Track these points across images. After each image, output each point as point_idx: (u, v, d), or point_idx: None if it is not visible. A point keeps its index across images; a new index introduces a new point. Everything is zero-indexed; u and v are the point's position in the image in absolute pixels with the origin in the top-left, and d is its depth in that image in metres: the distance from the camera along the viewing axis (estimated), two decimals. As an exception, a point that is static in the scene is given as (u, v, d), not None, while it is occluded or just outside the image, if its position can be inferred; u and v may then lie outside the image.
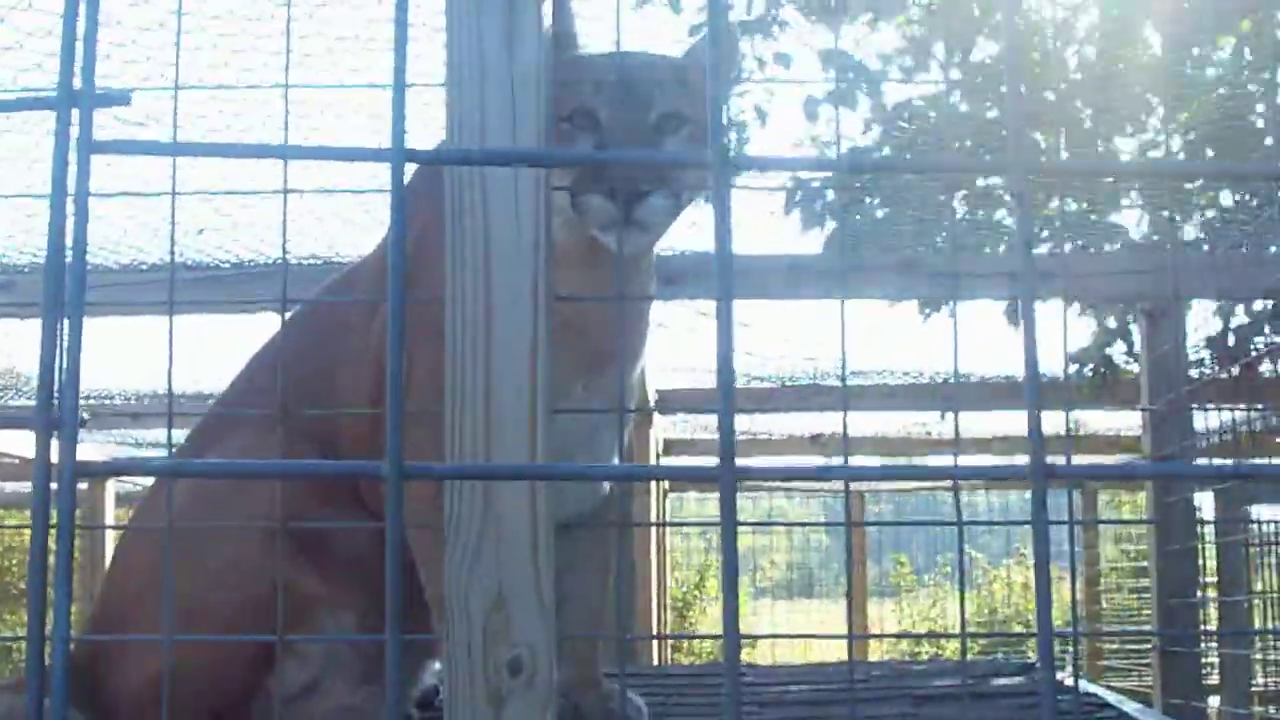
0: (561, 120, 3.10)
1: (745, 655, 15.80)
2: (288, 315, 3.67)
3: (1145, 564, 13.23)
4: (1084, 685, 4.01)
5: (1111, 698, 3.98)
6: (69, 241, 0.96)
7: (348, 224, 6.70)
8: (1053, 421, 10.69)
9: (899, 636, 19.45)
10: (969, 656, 15.90)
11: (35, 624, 1.02)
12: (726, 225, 1.01)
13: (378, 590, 3.31)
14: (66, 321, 0.96)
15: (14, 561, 17.84)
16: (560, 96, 3.01)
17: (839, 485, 15.64)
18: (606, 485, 3.56)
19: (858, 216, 7.80)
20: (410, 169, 3.34)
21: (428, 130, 5.56)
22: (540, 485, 2.47)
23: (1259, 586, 9.49)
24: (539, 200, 2.51)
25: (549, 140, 2.53)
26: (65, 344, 0.94)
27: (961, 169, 1.48)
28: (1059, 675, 4.73)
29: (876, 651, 17.03)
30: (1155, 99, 8.10)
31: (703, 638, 17.98)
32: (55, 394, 0.97)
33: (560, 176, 3.00)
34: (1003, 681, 4.20)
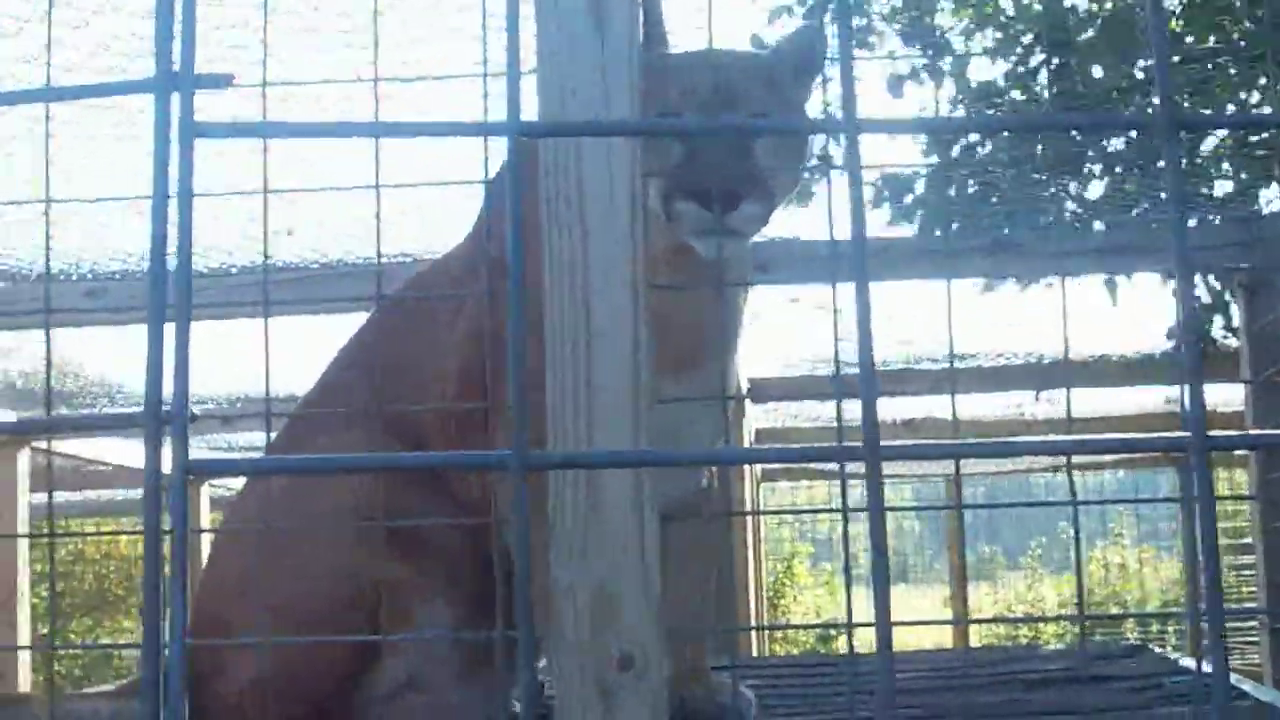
0: None
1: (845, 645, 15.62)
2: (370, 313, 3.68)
3: (1246, 540, 13.06)
4: (1206, 666, 3.92)
5: (1242, 682, 3.89)
6: (173, 233, 0.92)
7: (435, 221, 6.68)
8: (1154, 398, 10.56)
9: (1016, 620, 19.28)
10: (1068, 640, 15.83)
11: (151, 630, 0.98)
12: (859, 194, 0.96)
13: (468, 578, 3.29)
14: (173, 321, 0.92)
15: (110, 568, 18.00)
16: (646, 101, 2.97)
17: (931, 470, 15.55)
18: (704, 477, 3.53)
19: (951, 198, 7.72)
20: (496, 165, 3.30)
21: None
22: (645, 475, 2.43)
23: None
24: (634, 187, 2.47)
25: (640, 169, 2.50)
26: (175, 339, 0.91)
27: (1098, 124, 1.42)
28: (1165, 653, 4.64)
29: (975, 636, 16.91)
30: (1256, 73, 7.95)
31: (816, 627, 17.90)
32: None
33: (653, 183, 2.96)
34: (1110, 664, 4.12)
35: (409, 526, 3.17)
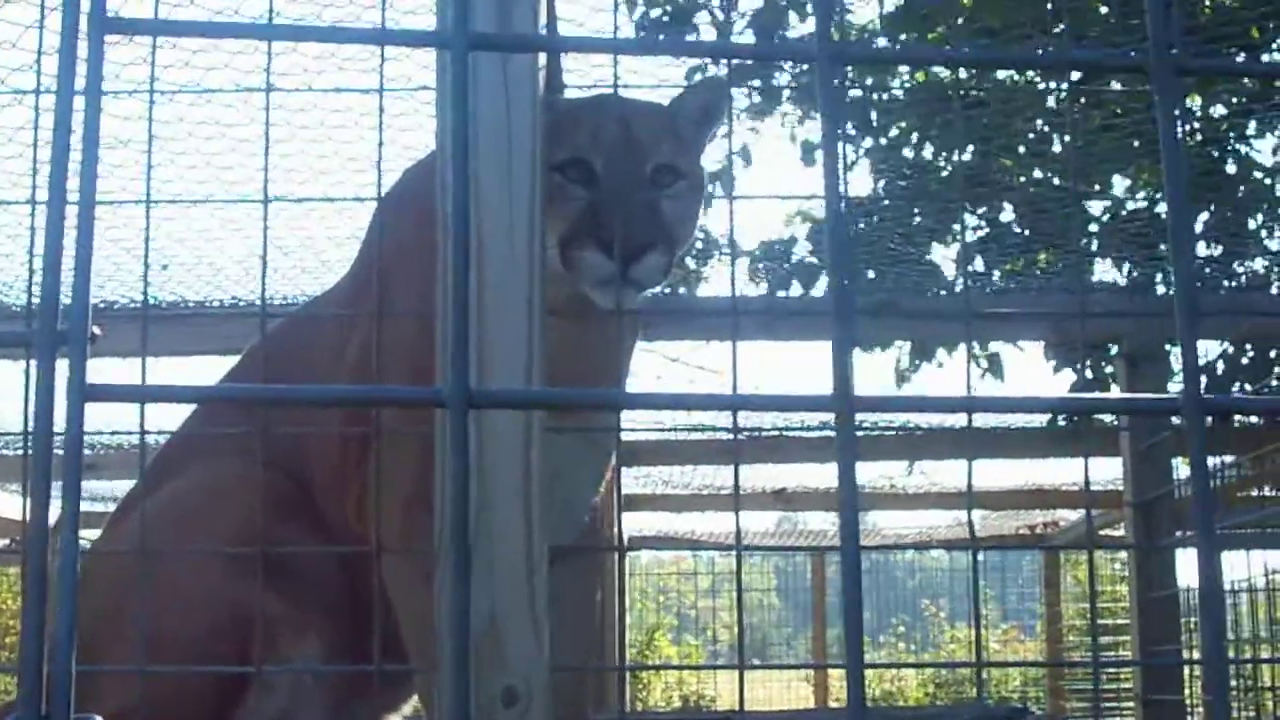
0: (553, 169, 3.00)
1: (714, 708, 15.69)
2: (248, 346, 3.61)
3: (1108, 621, 13.18)
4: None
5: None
6: (77, 131, 0.83)
7: (321, 261, 6.58)
8: (1030, 474, 10.62)
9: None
10: (936, 703, 15.77)
11: (35, 598, 0.89)
12: (833, 130, 0.89)
13: (341, 613, 3.21)
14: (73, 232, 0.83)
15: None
16: (552, 145, 2.92)
17: (800, 543, 15.58)
18: (587, 516, 3.48)
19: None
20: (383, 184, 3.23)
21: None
22: (534, 503, 2.37)
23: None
24: (533, 209, 2.44)
25: (541, 190, 2.46)
26: (76, 248, 0.81)
27: (1095, 64, 1.37)
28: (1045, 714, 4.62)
29: (833, 700, 16.91)
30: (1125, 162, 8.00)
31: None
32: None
33: (551, 229, 2.89)
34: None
35: (283, 561, 3.09)
